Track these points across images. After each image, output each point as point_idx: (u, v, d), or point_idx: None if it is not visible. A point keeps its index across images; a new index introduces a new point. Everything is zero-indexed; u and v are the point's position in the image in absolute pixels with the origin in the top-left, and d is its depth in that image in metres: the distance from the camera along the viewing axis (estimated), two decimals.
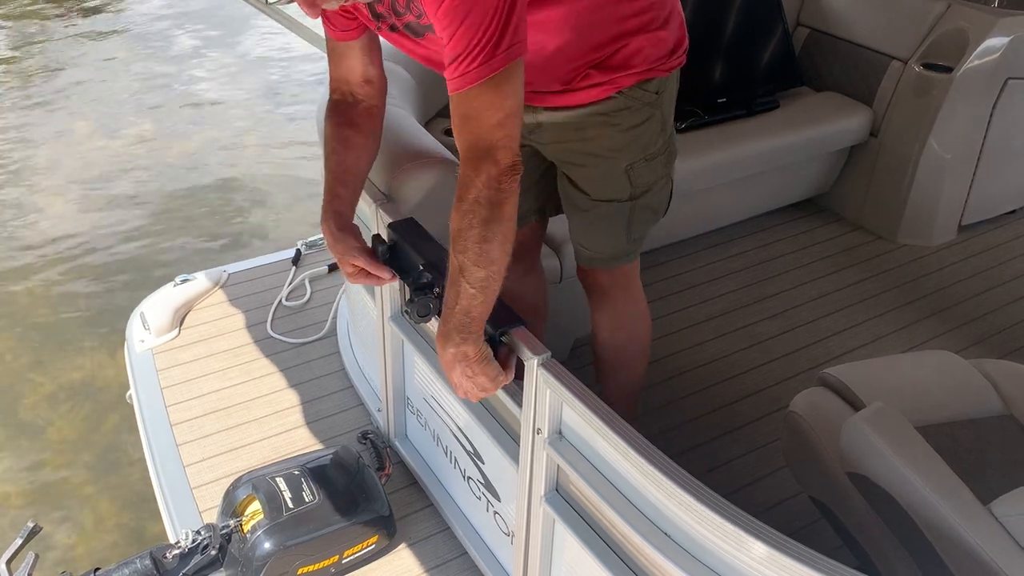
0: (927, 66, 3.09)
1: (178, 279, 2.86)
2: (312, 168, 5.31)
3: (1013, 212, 3.52)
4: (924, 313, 2.94)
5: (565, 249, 2.39)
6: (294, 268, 2.98)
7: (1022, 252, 3.28)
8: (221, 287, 2.89)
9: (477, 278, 1.36)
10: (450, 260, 1.39)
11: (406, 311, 1.69)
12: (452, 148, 2.17)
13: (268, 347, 2.64)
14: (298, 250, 3.05)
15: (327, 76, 1.73)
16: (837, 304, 2.97)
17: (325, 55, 1.71)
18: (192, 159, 5.59)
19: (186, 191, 5.15)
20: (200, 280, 2.86)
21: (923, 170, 3.17)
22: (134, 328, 2.68)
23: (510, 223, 1.37)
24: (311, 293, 2.87)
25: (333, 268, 2.97)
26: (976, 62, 3.00)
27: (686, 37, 1.77)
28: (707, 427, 2.46)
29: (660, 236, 3.05)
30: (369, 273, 1.71)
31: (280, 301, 2.83)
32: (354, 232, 1.72)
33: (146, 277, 4.20)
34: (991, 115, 3.13)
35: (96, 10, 8.32)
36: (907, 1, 3.21)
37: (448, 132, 2.64)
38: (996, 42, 2.99)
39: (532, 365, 1.38)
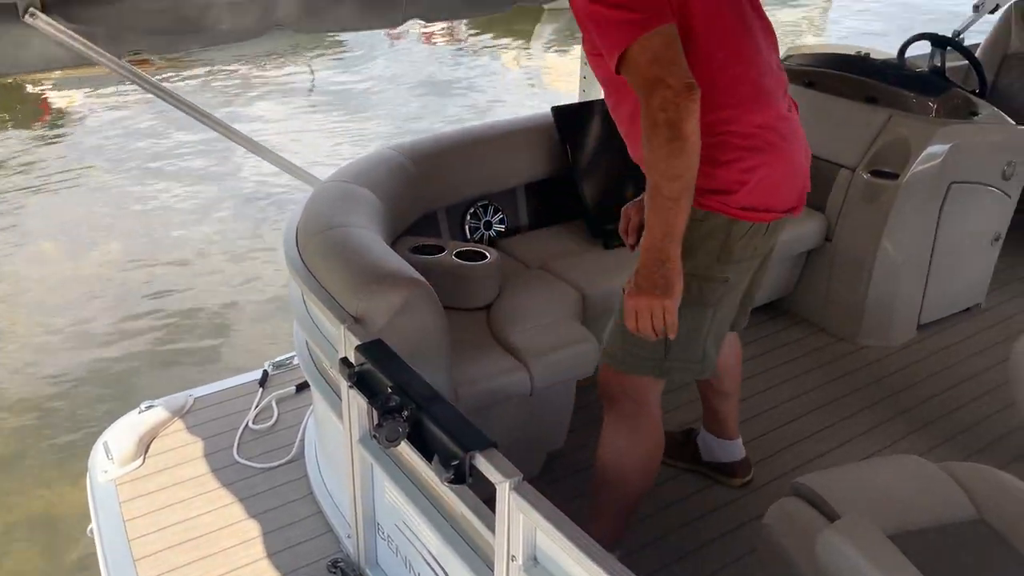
0: (874, 173, 3.21)
1: (143, 405, 2.82)
2: (277, 286, 5.33)
3: (968, 310, 3.61)
4: (890, 414, 2.97)
5: (534, 362, 2.40)
6: (261, 390, 2.95)
7: (980, 349, 3.35)
8: (187, 412, 2.84)
9: (672, 190, 1.65)
10: (647, 185, 1.69)
11: (374, 436, 1.68)
12: (418, 266, 2.21)
13: (235, 473, 2.59)
14: (265, 371, 3.03)
15: (296, 194, 1.77)
16: (805, 407, 2.99)
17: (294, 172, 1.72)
18: (158, 279, 5.59)
19: (150, 312, 5.12)
20: (165, 405, 2.82)
21: (878, 272, 3.26)
22: (97, 458, 2.62)
23: (693, 138, 1.61)
24: (278, 415, 2.83)
25: (301, 388, 2.94)
26: (920, 168, 3.14)
27: (760, 195, 1.85)
28: (684, 540, 2.43)
29: None
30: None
31: (247, 424, 2.79)
32: None
33: (110, 403, 4.13)
34: (939, 217, 3.25)
35: (64, 123, 8.45)
36: (852, 112, 3.36)
37: (413, 249, 2.68)
38: (937, 149, 3.13)
39: (504, 489, 1.37)
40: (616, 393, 2.08)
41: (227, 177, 7.25)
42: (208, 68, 10.42)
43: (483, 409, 2.31)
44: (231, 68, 10.52)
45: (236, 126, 2.83)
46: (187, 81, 9.95)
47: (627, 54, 1.65)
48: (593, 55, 1.87)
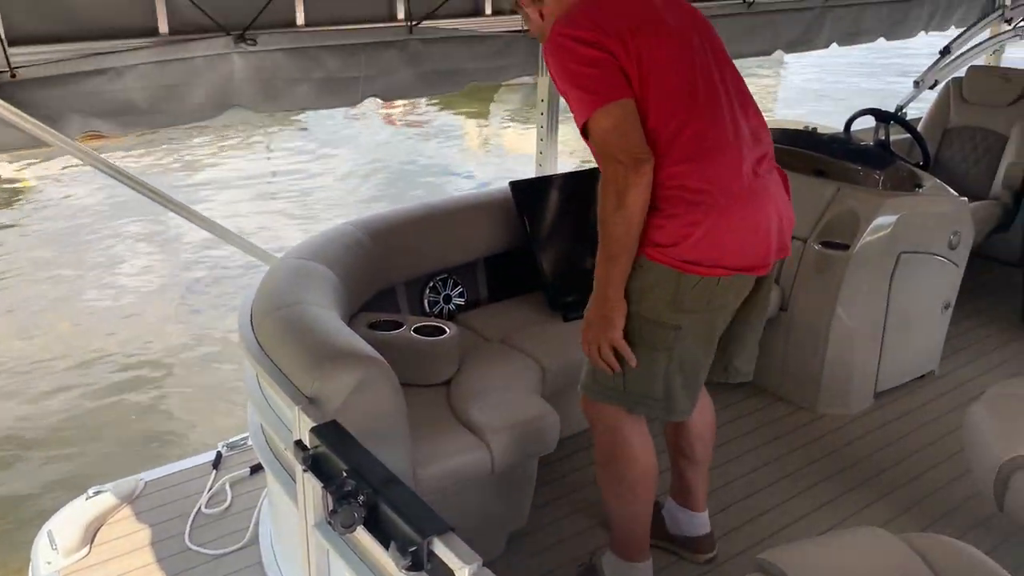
0: (825, 244, 3.28)
1: (90, 491, 2.72)
2: (229, 367, 5.23)
3: (923, 377, 3.66)
4: (851, 484, 2.97)
5: (495, 439, 2.37)
6: (214, 472, 2.87)
7: (935, 417, 3.39)
8: (136, 497, 2.75)
9: (611, 249, 1.93)
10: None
11: (330, 521, 1.63)
12: (376, 343, 2.19)
13: (186, 560, 2.50)
14: (219, 453, 2.95)
15: (251, 274, 1.77)
16: (767, 479, 2.98)
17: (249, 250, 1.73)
18: (107, 358, 5.46)
19: (100, 392, 5.00)
20: (113, 491, 2.73)
21: (833, 341, 3.30)
22: (40, 548, 2.51)
23: (633, 208, 1.87)
24: (232, 498, 2.75)
25: (256, 470, 2.87)
26: (869, 239, 3.21)
27: (705, 249, 1.95)
28: None
29: (577, 422, 3.04)
30: None
31: (199, 509, 2.70)
32: None
33: (56, 490, 3.99)
34: (890, 287, 3.31)
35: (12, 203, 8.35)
36: (801, 185, 3.44)
37: (371, 326, 2.66)
38: (885, 220, 3.21)
39: None
40: (592, 420, 2.27)
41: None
42: (165, 145, 10.43)
43: (443, 490, 2.27)
44: (189, 144, 10.54)
45: (183, 199, 2.82)
46: (140, 160, 9.94)
47: (588, 125, 1.91)
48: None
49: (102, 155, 2.60)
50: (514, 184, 3.24)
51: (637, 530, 2.35)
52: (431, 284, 3.11)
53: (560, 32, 1.94)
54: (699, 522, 2.57)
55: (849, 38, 4.65)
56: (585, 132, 1.94)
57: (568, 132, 2.99)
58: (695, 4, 3.62)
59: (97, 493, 2.71)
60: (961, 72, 4.78)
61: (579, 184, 3.31)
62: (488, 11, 3.18)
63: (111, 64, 2.38)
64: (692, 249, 1.94)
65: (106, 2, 2.39)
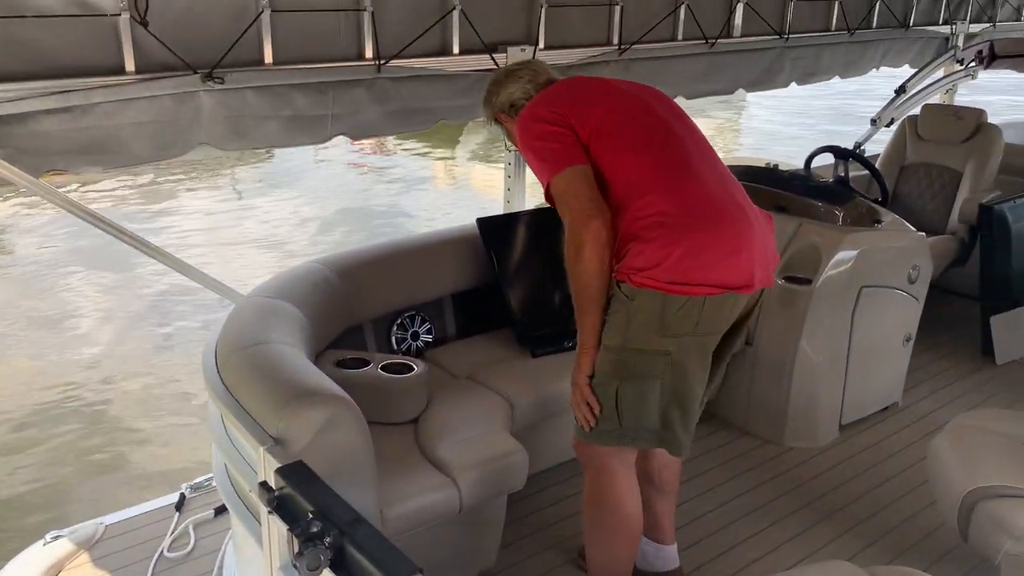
0: (788, 279, 3.33)
1: (48, 536, 2.65)
2: (191, 403, 5.16)
3: (886, 409, 3.70)
4: (818, 517, 2.99)
5: (463, 477, 2.36)
6: (177, 514, 2.82)
7: (900, 448, 3.43)
8: (97, 542, 2.68)
9: (578, 303, 2.11)
10: None
11: (295, 564, 1.61)
12: (342, 381, 2.17)
13: None
14: (182, 494, 2.90)
15: (210, 313, 1.77)
16: (736, 513, 2.99)
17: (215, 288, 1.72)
18: (67, 394, 5.36)
19: (59, 430, 4.89)
20: (72, 536, 2.66)
21: (798, 374, 3.33)
22: None
23: (587, 264, 2.05)
24: (195, 541, 2.70)
25: (220, 511, 2.82)
26: (831, 273, 3.26)
27: (687, 269, 2.01)
28: None
29: (546, 458, 3.04)
30: None
31: (162, 552, 2.64)
32: None
33: (11, 535, 3.88)
34: (852, 320, 3.36)
35: None
36: None
37: (338, 363, 2.64)
38: (845, 255, 3.27)
39: None
40: (584, 461, 2.32)
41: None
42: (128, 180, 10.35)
43: (411, 529, 2.24)
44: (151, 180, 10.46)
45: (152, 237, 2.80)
46: (101, 194, 9.85)
47: (549, 188, 2.14)
48: None
49: (65, 192, 2.58)
50: (481, 221, 3.25)
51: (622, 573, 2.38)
52: (399, 321, 3.11)
53: (525, 115, 2.25)
54: (668, 556, 2.56)
55: (807, 77, 4.76)
56: (549, 197, 2.16)
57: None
58: (664, 43, 3.73)
59: (55, 538, 2.64)
60: (916, 110, 4.91)
61: (547, 220, 3.33)
62: (456, 50, 3.22)
63: (76, 102, 2.36)
64: (674, 268, 2.00)
65: (72, 40, 2.39)
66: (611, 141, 2.13)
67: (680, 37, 3.94)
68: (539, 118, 2.19)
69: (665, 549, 2.56)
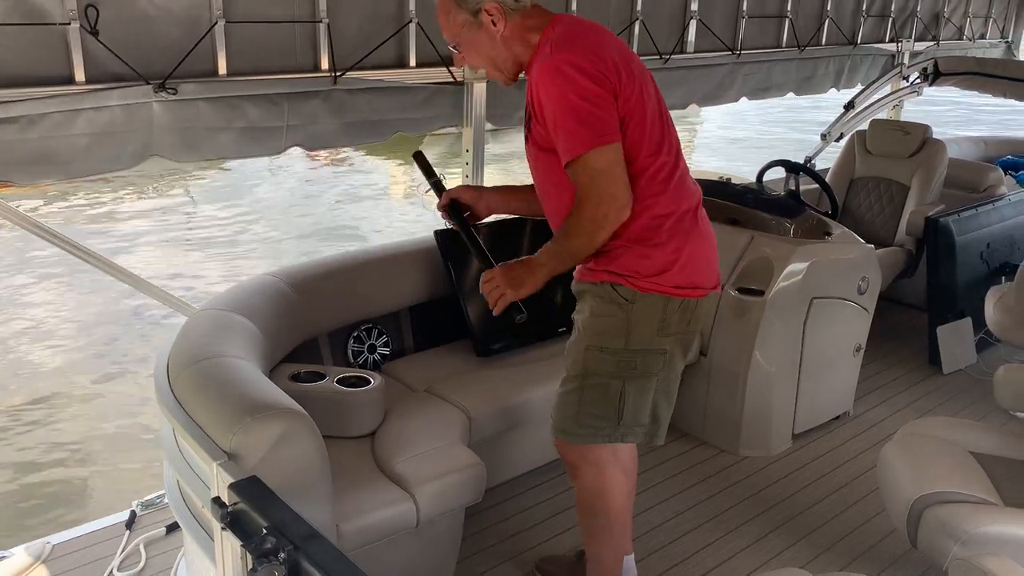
0: (741, 290, 3.38)
1: None
2: (145, 421, 5.06)
3: (838, 418, 3.77)
4: (773, 525, 3.02)
5: (420, 491, 2.34)
6: (128, 532, 2.76)
7: (851, 457, 3.49)
8: (43, 562, 2.62)
9: (563, 251, 2.06)
10: (557, 235, 2.08)
11: None
12: (297, 395, 2.15)
13: None
14: (133, 512, 2.84)
15: (164, 333, 1.74)
16: (692, 522, 3.02)
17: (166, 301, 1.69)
18: (12, 410, 5.23)
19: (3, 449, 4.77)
20: (18, 556, 2.59)
21: (752, 384, 3.38)
22: None
23: (594, 247, 2.03)
24: (147, 559, 2.65)
25: (172, 529, 2.76)
26: (782, 285, 3.32)
27: (689, 273, 2.10)
28: None
29: (504, 470, 3.04)
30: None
31: (112, 572, 2.59)
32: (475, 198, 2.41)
33: None
34: (804, 331, 3.42)
35: None
36: (717, 233, 3.53)
37: (293, 377, 2.61)
38: (796, 267, 3.33)
39: None
40: (576, 462, 2.30)
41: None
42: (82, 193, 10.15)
43: (367, 544, 2.23)
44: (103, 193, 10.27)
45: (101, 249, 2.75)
46: (54, 206, 9.65)
47: (581, 159, 1.94)
48: (544, 149, 2.07)
49: (12, 204, 2.52)
50: (439, 232, 3.25)
51: (622, 552, 2.43)
52: (355, 334, 3.09)
53: (561, 60, 1.94)
54: (627, 566, 2.57)
55: (760, 93, 4.86)
56: (571, 162, 1.96)
57: (494, 181, 3.02)
58: None
59: (1, 558, 2.57)
60: (865, 125, 5.03)
61: (504, 232, 3.34)
62: (413, 62, 3.22)
63: (23, 112, 2.32)
64: (679, 274, 2.09)
65: (20, 50, 2.34)
66: (637, 128, 2.02)
67: (635, 52, 3.99)
68: (581, 69, 1.92)
69: (623, 559, 2.57)
